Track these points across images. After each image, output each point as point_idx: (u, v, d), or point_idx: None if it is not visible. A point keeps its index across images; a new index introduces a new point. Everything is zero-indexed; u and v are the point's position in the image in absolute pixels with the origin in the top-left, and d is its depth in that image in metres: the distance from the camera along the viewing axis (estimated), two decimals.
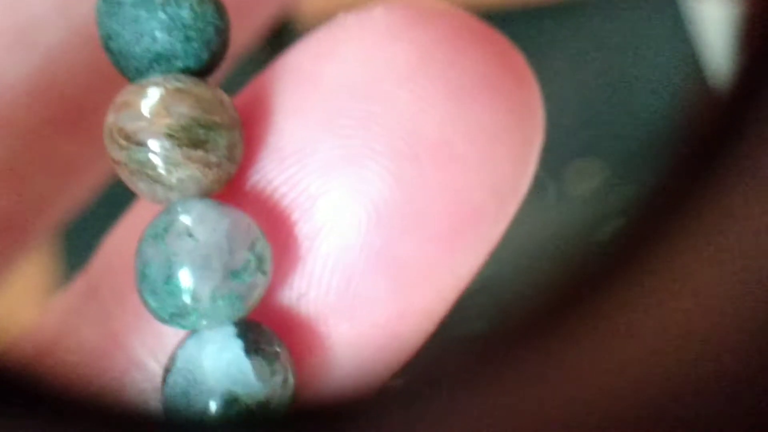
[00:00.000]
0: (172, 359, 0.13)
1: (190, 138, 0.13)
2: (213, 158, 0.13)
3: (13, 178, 0.17)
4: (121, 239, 0.15)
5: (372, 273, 0.14)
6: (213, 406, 0.13)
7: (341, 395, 0.14)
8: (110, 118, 0.13)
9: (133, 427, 0.11)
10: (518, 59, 0.14)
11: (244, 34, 0.18)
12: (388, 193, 0.13)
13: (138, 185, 0.13)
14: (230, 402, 0.13)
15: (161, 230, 0.13)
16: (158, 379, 0.14)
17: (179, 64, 0.13)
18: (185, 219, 0.13)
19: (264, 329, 0.13)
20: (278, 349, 0.13)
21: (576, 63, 0.37)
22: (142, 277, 0.13)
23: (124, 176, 0.13)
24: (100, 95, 0.15)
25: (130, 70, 0.13)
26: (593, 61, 0.37)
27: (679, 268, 0.10)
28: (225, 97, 0.13)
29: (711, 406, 0.10)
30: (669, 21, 0.37)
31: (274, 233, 0.14)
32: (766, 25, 0.10)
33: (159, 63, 0.13)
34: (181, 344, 0.13)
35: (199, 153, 0.13)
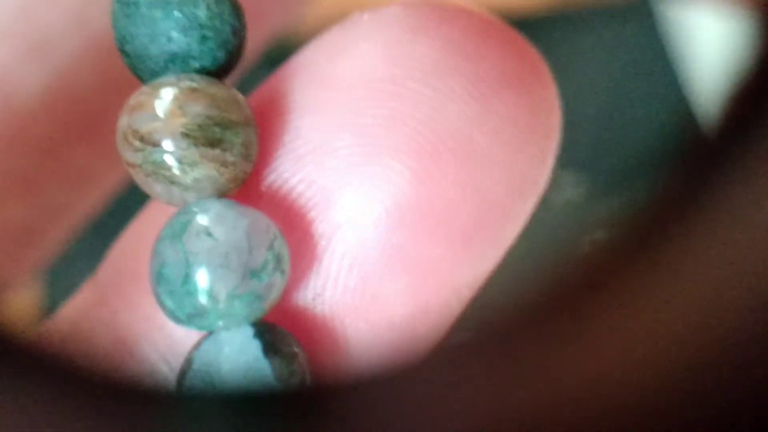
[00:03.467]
0: (189, 361, 0.13)
1: (205, 137, 0.13)
2: (229, 157, 0.13)
3: (29, 187, 0.17)
4: (130, 245, 0.15)
5: (389, 272, 0.13)
6: None
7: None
8: (123, 121, 0.13)
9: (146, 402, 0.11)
10: (536, 58, 0.14)
11: (259, 36, 0.18)
12: (408, 190, 0.13)
13: (154, 187, 0.13)
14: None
15: (178, 230, 0.13)
16: (172, 383, 0.13)
17: (195, 64, 0.13)
18: (203, 219, 0.13)
19: (281, 330, 0.13)
20: (296, 350, 0.13)
21: (558, 75, 0.37)
22: (158, 277, 0.13)
23: (140, 179, 0.13)
24: (114, 104, 0.15)
25: (145, 72, 0.13)
26: (575, 74, 0.38)
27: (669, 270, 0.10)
28: (240, 96, 0.13)
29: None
30: (653, 34, 0.38)
31: (291, 232, 0.13)
32: None
33: (175, 63, 0.13)
34: (197, 346, 0.13)
35: (216, 152, 0.13)
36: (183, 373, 0.13)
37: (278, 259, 0.13)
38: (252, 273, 0.13)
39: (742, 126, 0.10)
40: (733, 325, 0.10)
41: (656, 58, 0.38)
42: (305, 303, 0.14)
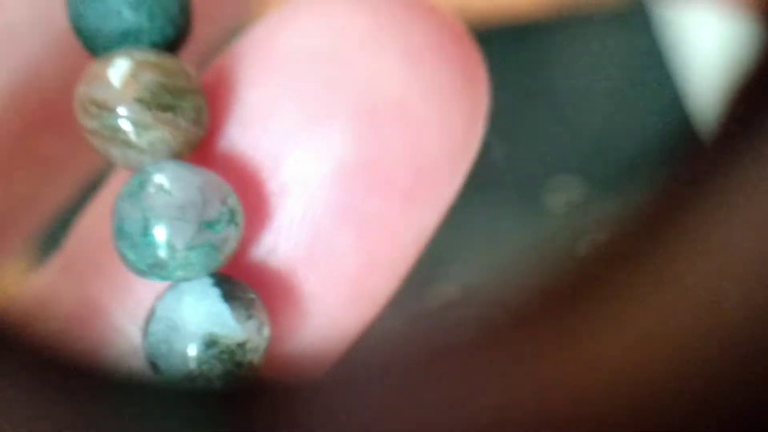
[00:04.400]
0: (152, 311, 0.14)
1: (158, 102, 0.14)
2: (181, 122, 0.14)
3: None
4: (94, 217, 0.16)
5: (338, 227, 0.14)
6: (194, 348, 0.13)
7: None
8: (81, 90, 0.14)
9: (117, 387, 0.12)
10: (463, 31, 0.15)
11: (218, 26, 0.19)
12: (351, 151, 0.14)
13: (111, 151, 0.14)
14: (210, 343, 0.13)
15: (136, 188, 0.14)
16: (138, 342, 0.14)
17: (146, 40, 0.14)
18: (159, 177, 0.14)
19: (238, 281, 0.14)
20: (253, 297, 0.14)
21: (554, 81, 0.38)
22: (119, 233, 0.13)
23: (98, 145, 0.14)
24: None
25: (99, 48, 0.14)
26: (572, 78, 0.38)
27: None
28: (188, 67, 0.14)
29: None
30: (650, 37, 0.38)
31: (242, 194, 0.14)
32: None
33: (127, 40, 0.14)
34: (159, 297, 0.14)
35: (168, 116, 0.14)
36: (147, 321, 0.14)
37: (232, 213, 0.14)
38: (207, 224, 0.13)
39: (740, 128, 0.10)
40: (729, 327, 0.10)
41: (653, 62, 0.38)
42: (260, 259, 0.15)
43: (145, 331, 0.14)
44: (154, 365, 0.14)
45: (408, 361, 0.11)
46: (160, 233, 0.13)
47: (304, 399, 0.11)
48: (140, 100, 0.14)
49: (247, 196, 0.14)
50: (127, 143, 0.14)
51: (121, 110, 0.14)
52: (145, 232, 0.13)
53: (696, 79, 0.37)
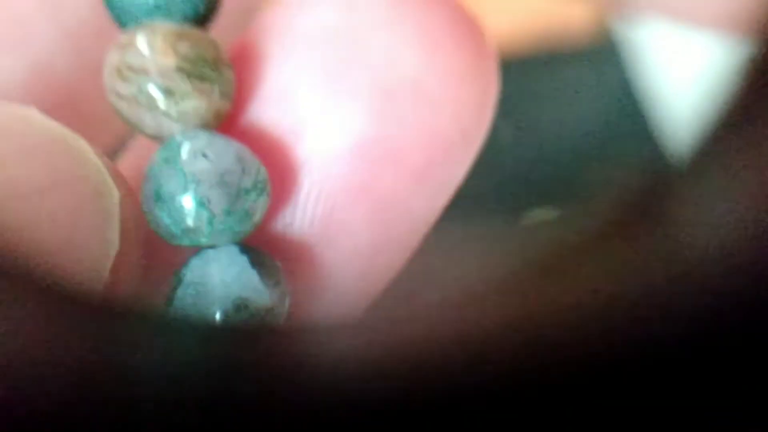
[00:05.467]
0: (179, 277, 0.14)
1: (194, 72, 0.14)
2: (214, 93, 0.14)
3: None
4: None
5: (353, 203, 0.15)
6: (223, 313, 0.13)
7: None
8: (115, 56, 0.14)
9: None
10: (475, 16, 0.16)
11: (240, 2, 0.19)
12: (368, 128, 0.15)
13: (143, 118, 0.14)
14: (240, 307, 0.13)
15: (174, 153, 0.14)
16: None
17: (177, 13, 0.14)
18: (197, 144, 0.14)
19: (261, 250, 0.14)
20: (279, 266, 0.14)
21: (536, 112, 0.39)
22: (156, 197, 0.14)
23: (129, 111, 0.14)
24: (92, 89, 0.16)
25: (130, 21, 0.14)
26: (550, 111, 0.39)
27: None
28: (218, 41, 0.15)
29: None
30: (621, 73, 0.39)
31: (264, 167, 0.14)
32: None
33: (158, 12, 0.14)
34: (185, 264, 0.14)
35: (206, 86, 0.14)
36: (173, 288, 0.14)
37: (264, 182, 0.14)
38: (244, 192, 0.14)
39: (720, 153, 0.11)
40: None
41: (625, 96, 0.39)
42: (278, 233, 0.15)
43: (172, 297, 0.14)
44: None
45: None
46: (200, 198, 0.13)
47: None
48: (180, 69, 0.14)
49: (268, 170, 0.15)
50: (160, 110, 0.14)
51: (160, 77, 0.14)
52: (185, 197, 0.13)
53: (671, 105, 0.38)
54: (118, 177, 0.14)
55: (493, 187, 0.38)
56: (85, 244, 0.13)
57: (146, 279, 0.14)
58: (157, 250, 0.15)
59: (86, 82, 0.17)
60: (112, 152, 0.18)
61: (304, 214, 0.15)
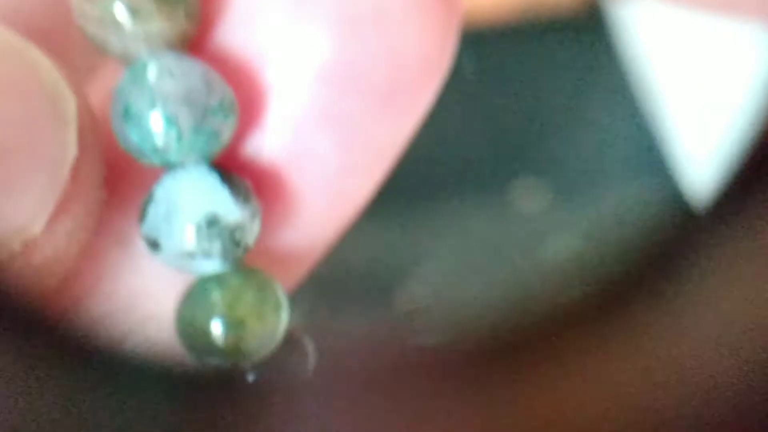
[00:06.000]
0: (150, 195, 0.14)
1: None
2: (180, 15, 0.14)
3: None
4: None
5: (319, 128, 0.15)
6: (195, 226, 0.14)
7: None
8: None
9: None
10: None
11: None
12: (332, 54, 0.15)
13: (109, 39, 0.14)
14: (211, 222, 0.14)
15: (140, 73, 0.14)
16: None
17: None
18: (163, 64, 0.14)
19: (231, 171, 0.14)
20: (248, 185, 0.14)
21: (523, 85, 0.39)
22: (124, 116, 0.14)
23: (96, 33, 0.14)
24: (70, 22, 0.16)
25: None
26: (535, 85, 0.39)
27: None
28: None
29: None
30: (608, 43, 0.39)
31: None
32: None
33: None
34: (157, 182, 0.14)
35: (170, 7, 0.14)
36: (145, 204, 0.14)
37: (231, 103, 0.14)
38: (211, 111, 0.14)
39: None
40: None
41: (611, 67, 0.39)
42: (246, 158, 0.15)
43: (144, 214, 0.14)
44: (154, 244, 0.14)
45: (374, 369, 0.11)
46: (168, 116, 0.14)
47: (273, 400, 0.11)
48: None
49: (236, 94, 0.15)
50: (126, 31, 0.14)
51: None
52: (153, 115, 0.14)
53: (672, 105, 0.38)
54: (77, 87, 0.14)
55: (477, 158, 0.38)
56: (42, 146, 0.13)
57: (115, 201, 0.15)
58: (126, 174, 0.15)
59: (65, 14, 0.18)
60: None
61: (271, 140, 0.15)
